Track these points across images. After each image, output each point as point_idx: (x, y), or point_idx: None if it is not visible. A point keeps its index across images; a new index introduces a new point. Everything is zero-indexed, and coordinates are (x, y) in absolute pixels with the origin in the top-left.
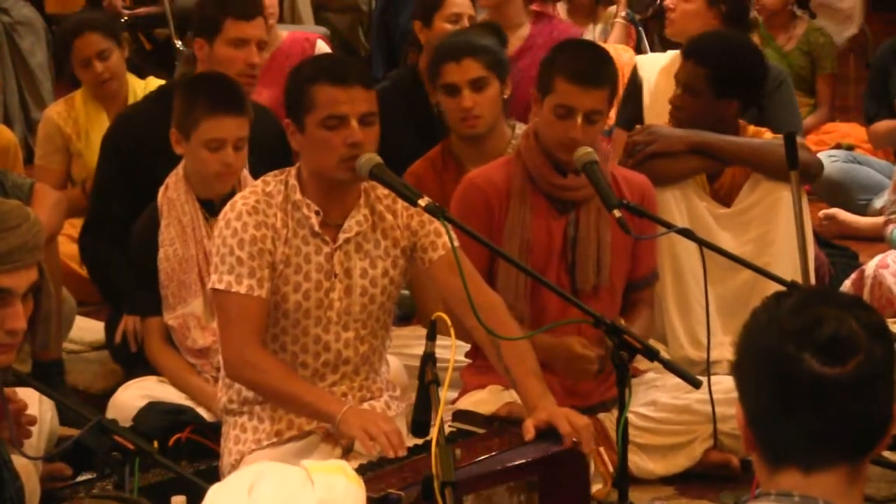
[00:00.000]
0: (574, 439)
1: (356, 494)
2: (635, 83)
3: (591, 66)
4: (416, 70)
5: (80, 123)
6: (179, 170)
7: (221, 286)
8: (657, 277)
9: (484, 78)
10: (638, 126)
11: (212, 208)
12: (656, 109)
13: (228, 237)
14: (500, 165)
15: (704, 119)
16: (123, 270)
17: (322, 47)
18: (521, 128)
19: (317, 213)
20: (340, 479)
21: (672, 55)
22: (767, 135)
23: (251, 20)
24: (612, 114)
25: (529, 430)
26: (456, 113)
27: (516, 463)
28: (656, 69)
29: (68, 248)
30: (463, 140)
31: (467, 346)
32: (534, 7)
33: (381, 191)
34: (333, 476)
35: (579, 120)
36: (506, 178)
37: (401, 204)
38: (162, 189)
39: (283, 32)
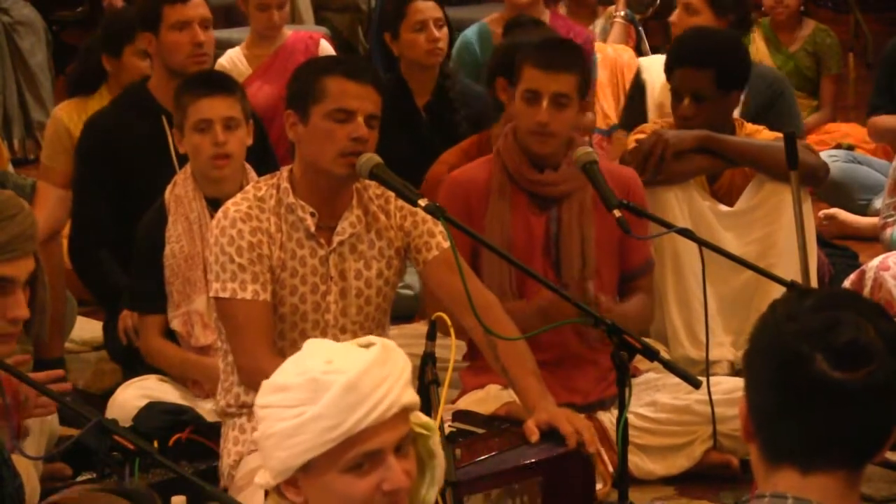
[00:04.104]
0: (578, 440)
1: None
2: (639, 85)
3: (556, 51)
4: (400, 77)
5: None
6: (188, 168)
7: (226, 294)
8: (653, 265)
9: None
10: (640, 133)
11: (219, 206)
12: (661, 110)
13: (226, 245)
14: (482, 163)
15: (715, 120)
16: (116, 270)
17: (326, 47)
18: None
19: (312, 214)
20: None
21: None
22: (765, 133)
23: (187, 1)
24: (612, 113)
25: (534, 432)
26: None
27: (521, 464)
28: (660, 70)
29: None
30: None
31: (466, 347)
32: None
33: (374, 191)
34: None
35: (545, 103)
36: (487, 175)
37: (394, 204)
38: (169, 187)
39: (288, 31)
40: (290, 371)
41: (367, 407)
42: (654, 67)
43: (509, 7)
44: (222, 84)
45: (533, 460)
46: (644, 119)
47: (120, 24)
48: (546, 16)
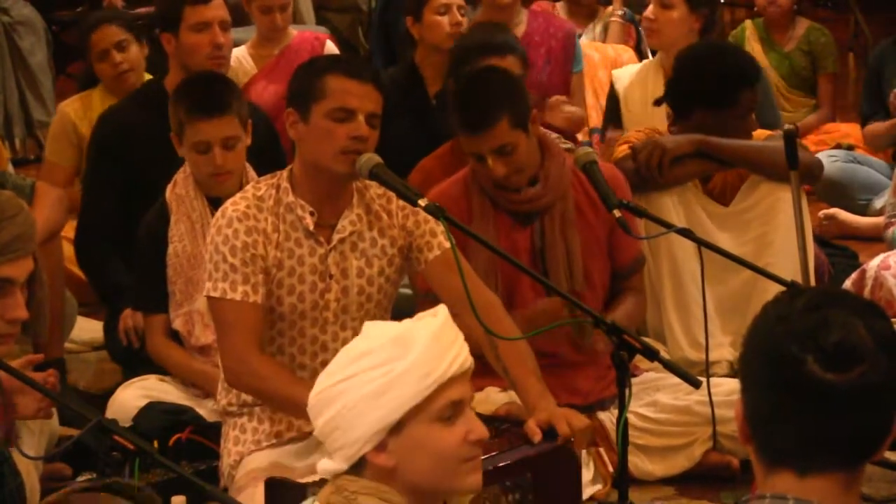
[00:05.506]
0: (569, 438)
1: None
2: (614, 97)
3: (474, 111)
4: (413, 65)
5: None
6: (187, 167)
7: (217, 293)
8: (643, 262)
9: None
10: (626, 142)
11: (220, 205)
12: (633, 118)
13: (220, 244)
14: (457, 182)
15: None
16: (121, 267)
17: (331, 47)
18: None
19: (311, 213)
20: None
21: (644, 64)
22: (759, 132)
23: (209, 2)
24: None
25: (536, 433)
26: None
27: (508, 462)
28: (627, 80)
29: (66, 250)
30: None
31: None
32: (533, 6)
33: (376, 190)
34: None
35: (491, 161)
36: (465, 193)
37: (395, 204)
38: (170, 186)
39: (293, 31)
40: (365, 342)
41: (453, 354)
42: (623, 77)
43: (489, 7)
44: (219, 103)
45: (519, 458)
46: (620, 125)
47: (80, 39)
48: (524, 15)
